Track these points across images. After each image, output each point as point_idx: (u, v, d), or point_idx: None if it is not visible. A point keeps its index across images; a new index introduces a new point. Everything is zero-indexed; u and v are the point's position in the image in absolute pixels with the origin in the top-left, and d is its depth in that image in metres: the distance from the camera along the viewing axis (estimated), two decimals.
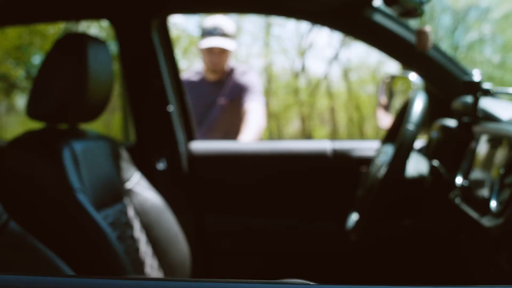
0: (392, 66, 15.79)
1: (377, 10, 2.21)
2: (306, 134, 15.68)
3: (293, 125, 16.59)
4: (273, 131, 15.24)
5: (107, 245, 1.67)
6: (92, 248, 1.66)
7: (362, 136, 15.76)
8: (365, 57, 16.22)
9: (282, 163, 2.51)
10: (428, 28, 1.48)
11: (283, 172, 2.52)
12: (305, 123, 15.82)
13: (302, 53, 15.62)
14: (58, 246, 1.54)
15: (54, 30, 10.99)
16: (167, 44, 2.52)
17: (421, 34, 1.46)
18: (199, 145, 2.59)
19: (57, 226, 1.65)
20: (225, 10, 2.53)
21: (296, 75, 15.66)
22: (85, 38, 1.80)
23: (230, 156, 2.55)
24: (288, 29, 15.55)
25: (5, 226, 1.34)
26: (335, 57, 15.83)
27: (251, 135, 3.00)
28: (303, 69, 15.87)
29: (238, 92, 3.29)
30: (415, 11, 1.46)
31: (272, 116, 12.30)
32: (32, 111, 1.81)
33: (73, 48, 1.78)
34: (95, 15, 2.57)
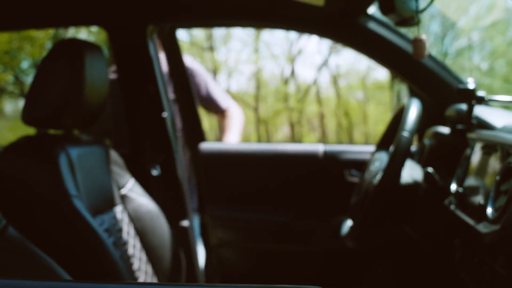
0: (381, 73, 15.87)
1: (371, 17, 2.22)
2: (295, 140, 15.70)
3: (283, 131, 16.63)
4: (262, 137, 15.24)
5: (104, 251, 1.67)
6: (90, 254, 1.66)
7: (351, 142, 15.81)
8: (354, 63, 16.31)
9: (280, 165, 2.62)
10: (424, 36, 1.50)
11: (281, 174, 2.61)
12: (294, 129, 15.86)
13: (291, 59, 15.67)
14: (55, 251, 1.54)
15: (43, 35, 10.98)
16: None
17: (417, 42, 1.48)
18: (209, 146, 2.74)
19: (54, 231, 1.65)
20: (220, 19, 2.53)
21: (285, 81, 15.71)
22: (81, 44, 1.80)
23: (238, 156, 2.69)
24: (278, 35, 15.60)
25: (4, 232, 1.34)
26: (325, 63, 15.90)
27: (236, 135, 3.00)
28: (292, 75, 15.92)
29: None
30: (412, 20, 1.47)
31: (261, 122, 12.32)
32: (27, 116, 1.81)
33: (69, 53, 1.78)
34: (90, 22, 2.56)
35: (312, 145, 2.66)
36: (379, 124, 16.19)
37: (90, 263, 1.66)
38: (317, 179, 2.59)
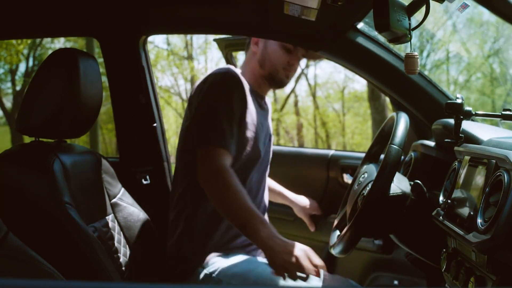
0: (359, 84, 15.98)
1: (360, 32, 2.26)
2: None
3: None
4: None
5: (98, 259, 1.68)
6: (85, 261, 1.67)
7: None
8: (332, 74, 16.41)
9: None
10: (415, 53, 1.55)
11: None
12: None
13: None
14: (51, 258, 1.55)
15: (21, 42, 10.90)
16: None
17: (410, 59, 1.52)
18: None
19: (50, 239, 1.66)
20: (212, 31, 2.56)
21: None
22: (77, 53, 1.82)
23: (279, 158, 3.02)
24: None
25: (5, 239, 1.36)
26: (303, 73, 15.98)
27: None
28: None
29: None
30: (405, 37, 1.52)
31: None
32: (21, 125, 1.82)
33: (65, 63, 1.80)
34: (82, 32, 2.57)
35: (324, 150, 3.03)
36: (356, 135, 16.32)
37: (85, 270, 1.67)
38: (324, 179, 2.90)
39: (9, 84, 13.30)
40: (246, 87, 2.22)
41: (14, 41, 10.92)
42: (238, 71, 2.26)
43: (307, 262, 1.84)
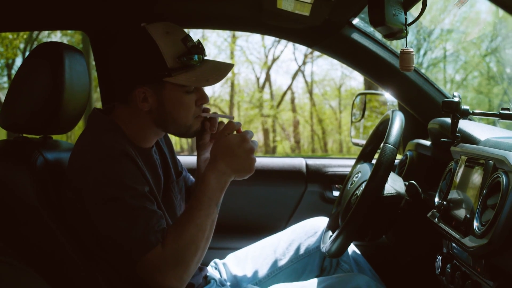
0: (356, 81, 15.96)
1: (356, 28, 2.22)
2: (269, 148, 15.65)
3: (257, 137, 16.60)
4: None
5: (78, 255, 1.64)
6: (68, 260, 1.62)
7: (325, 150, 15.78)
8: (329, 71, 16.40)
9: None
10: (411, 49, 1.50)
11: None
12: (268, 136, 15.88)
13: (267, 65, 15.71)
14: (33, 256, 1.52)
15: (17, 36, 10.86)
16: None
17: (405, 55, 1.48)
18: None
19: (31, 234, 1.61)
20: (206, 27, 2.51)
21: (261, 88, 15.72)
22: (62, 47, 1.77)
23: None
24: (254, 40, 15.59)
25: None
26: (300, 70, 15.96)
27: None
28: (267, 81, 15.96)
29: None
30: (401, 32, 1.48)
31: None
32: (5, 121, 1.77)
33: (49, 56, 1.75)
34: (72, 26, 2.51)
35: (296, 159, 2.76)
36: None
37: (68, 271, 1.62)
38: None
39: (5, 79, 13.27)
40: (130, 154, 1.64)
41: (10, 36, 10.87)
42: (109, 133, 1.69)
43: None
